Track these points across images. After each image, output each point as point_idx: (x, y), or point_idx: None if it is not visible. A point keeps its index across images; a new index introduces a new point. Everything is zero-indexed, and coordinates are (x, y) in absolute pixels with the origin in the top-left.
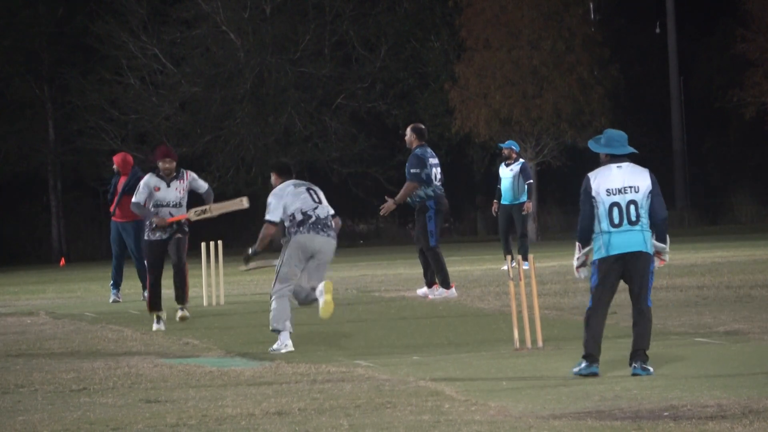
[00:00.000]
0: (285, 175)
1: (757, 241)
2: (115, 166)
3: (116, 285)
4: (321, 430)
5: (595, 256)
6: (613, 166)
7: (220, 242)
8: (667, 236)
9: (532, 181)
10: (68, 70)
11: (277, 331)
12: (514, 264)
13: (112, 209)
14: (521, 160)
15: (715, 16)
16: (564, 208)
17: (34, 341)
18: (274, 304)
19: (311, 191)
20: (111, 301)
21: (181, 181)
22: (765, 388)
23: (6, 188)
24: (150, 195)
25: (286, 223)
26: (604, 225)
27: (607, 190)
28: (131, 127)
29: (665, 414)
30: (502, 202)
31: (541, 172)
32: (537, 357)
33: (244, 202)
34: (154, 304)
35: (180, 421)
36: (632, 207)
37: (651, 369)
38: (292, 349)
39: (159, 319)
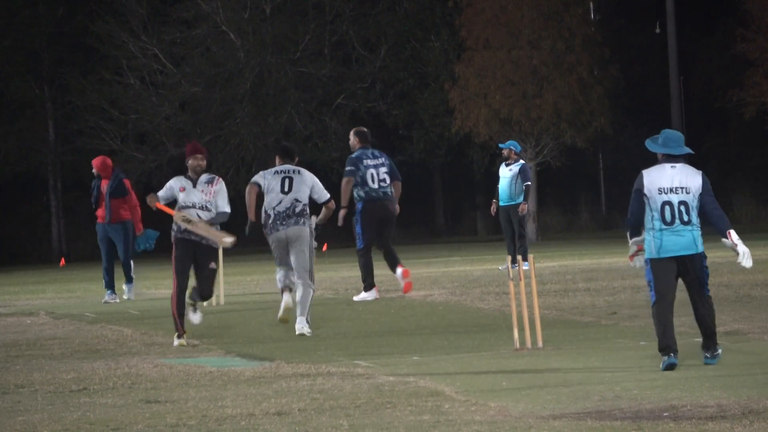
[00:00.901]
0: (286, 158)
1: (757, 241)
2: (94, 170)
3: (109, 286)
4: (321, 430)
5: (647, 255)
6: (668, 165)
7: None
8: (732, 231)
9: (530, 182)
10: (68, 70)
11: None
12: (514, 265)
13: (98, 212)
14: (521, 161)
15: (715, 16)
16: (564, 208)
17: (34, 341)
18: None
19: (286, 180)
20: (104, 301)
21: (210, 185)
22: (765, 388)
23: (6, 188)
24: (171, 196)
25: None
26: (657, 223)
27: (659, 189)
28: (131, 127)
29: (665, 414)
30: (500, 202)
31: (541, 173)
32: (537, 357)
33: (227, 241)
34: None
35: (180, 421)
36: (683, 207)
37: (719, 356)
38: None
39: (180, 336)
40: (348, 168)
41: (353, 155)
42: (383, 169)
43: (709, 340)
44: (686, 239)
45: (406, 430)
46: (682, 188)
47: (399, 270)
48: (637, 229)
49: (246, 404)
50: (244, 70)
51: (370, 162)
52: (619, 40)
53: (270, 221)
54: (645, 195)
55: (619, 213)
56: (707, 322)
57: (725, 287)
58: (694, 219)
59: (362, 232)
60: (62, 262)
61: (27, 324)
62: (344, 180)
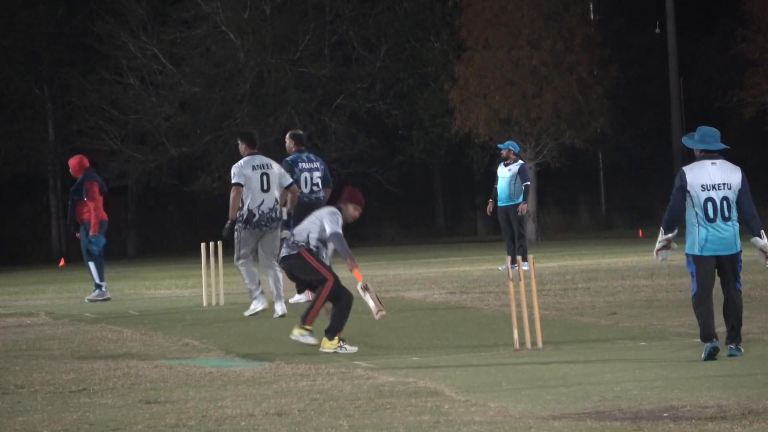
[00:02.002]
0: (251, 144)
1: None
2: (70, 171)
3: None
4: (321, 430)
5: (688, 250)
6: (708, 162)
7: (220, 242)
8: (762, 232)
9: (529, 183)
10: (68, 70)
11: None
12: (514, 266)
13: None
14: (520, 161)
15: (715, 16)
16: (564, 208)
17: (34, 341)
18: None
19: (264, 176)
20: (104, 298)
21: None
22: (765, 388)
23: (6, 188)
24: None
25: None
26: (700, 219)
27: (702, 186)
28: (131, 127)
29: (665, 414)
30: (499, 203)
31: (541, 173)
32: (537, 357)
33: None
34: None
35: (180, 422)
36: (725, 203)
37: (743, 350)
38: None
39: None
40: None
41: (289, 159)
42: (317, 174)
43: (736, 333)
44: (728, 238)
45: (406, 430)
46: (723, 184)
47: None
48: (673, 225)
49: (246, 404)
50: (244, 70)
51: (305, 165)
52: (619, 40)
53: (255, 219)
54: (688, 191)
55: (618, 213)
56: (737, 314)
57: None
58: (734, 215)
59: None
60: (62, 262)
61: (27, 324)
62: (293, 188)
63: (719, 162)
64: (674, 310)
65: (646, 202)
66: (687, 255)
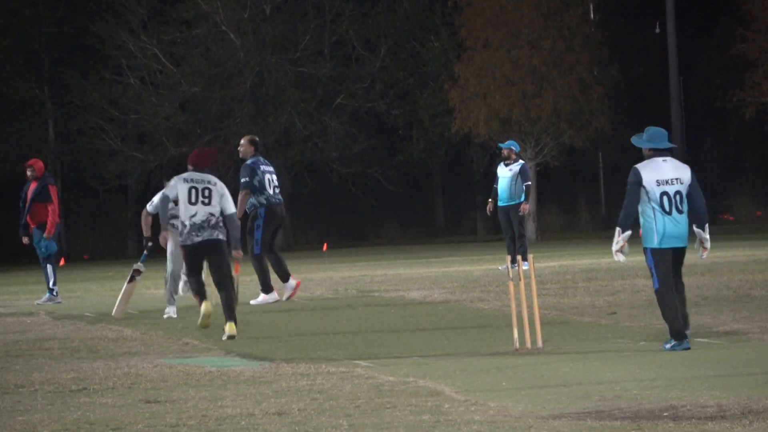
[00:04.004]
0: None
1: (757, 241)
2: (31, 173)
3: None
4: (321, 430)
5: (647, 244)
6: (659, 159)
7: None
8: (707, 226)
9: (530, 182)
10: (68, 69)
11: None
12: (514, 265)
13: (28, 217)
14: (521, 161)
15: (715, 16)
16: (563, 207)
17: (34, 341)
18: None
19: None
20: (54, 302)
21: None
22: (765, 388)
23: (6, 188)
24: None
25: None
26: (657, 213)
27: (657, 181)
28: (131, 126)
29: (665, 414)
30: (499, 202)
31: (541, 172)
32: (537, 357)
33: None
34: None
35: (180, 421)
36: (678, 197)
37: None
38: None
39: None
40: (244, 180)
41: (249, 162)
42: (275, 176)
43: (685, 320)
44: (683, 231)
45: (406, 430)
46: (676, 179)
47: (293, 281)
48: (629, 223)
49: (246, 404)
50: (244, 70)
51: (265, 168)
52: (618, 40)
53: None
54: (644, 187)
55: (618, 213)
56: (684, 304)
57: (725, 287)
58: (686, 209)
59: (261, 238)
60: (62, 261)
61: (27, 324)
62: (243, 193)
63: (669, 159)
64: None
65: None
66: (646, 249)
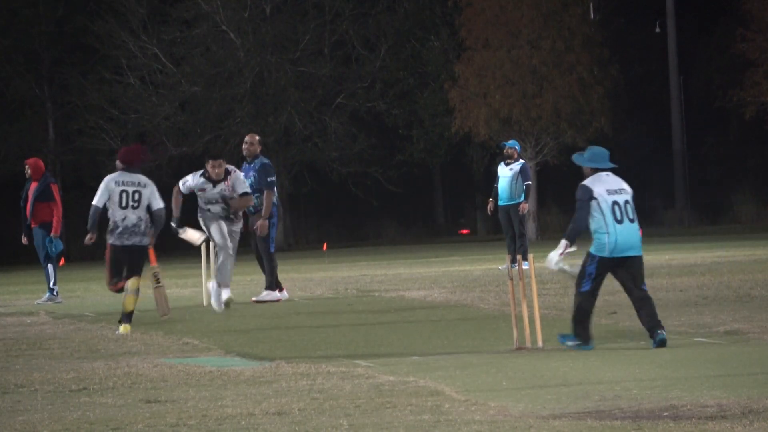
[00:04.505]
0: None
1: (757, 241)
2: (29, 173)
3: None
4: (321, 430)
5: (597, 252)
6: (602, 174)
7: None
8: None
9: (530, 182)
10: (68, 69)
11: None
12: (514, 265)
13: (28, 216)
14: (521, 161)
15: (715, 16)
16: (564, 207)
17: (34, 341)
18: None
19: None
20: (55, 302)
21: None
22: (765, 388)
23: (6, 188)
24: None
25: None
26: (609, 222)
27: (607, 191)
28: (131, 126)
29: (665, 414)
30: (500, 202)
31: (541, 172)
32: (537, 357)
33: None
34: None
35: (180, 421)
36: (627, 206)
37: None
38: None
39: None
40: (271, 179)
41: (266, 161)
42: None
43: (658, 326)
44: (635, 238)
45: (406, 430)
46: (622, 189)
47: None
48: (577, 236)
49: (246, 404)
50: (244, 69)
51: None
52: (619, 40)
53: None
54: (595, 199)
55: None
56: (654, 312)
57: (725, 287)
58: (636, 217)
59: (275, 236)
60: (62, 261)
61: (27, 324)
62: (271, 194)
63: (611, 174)
64: (674, 309)
65: (646, 201)
66: (593, 255)
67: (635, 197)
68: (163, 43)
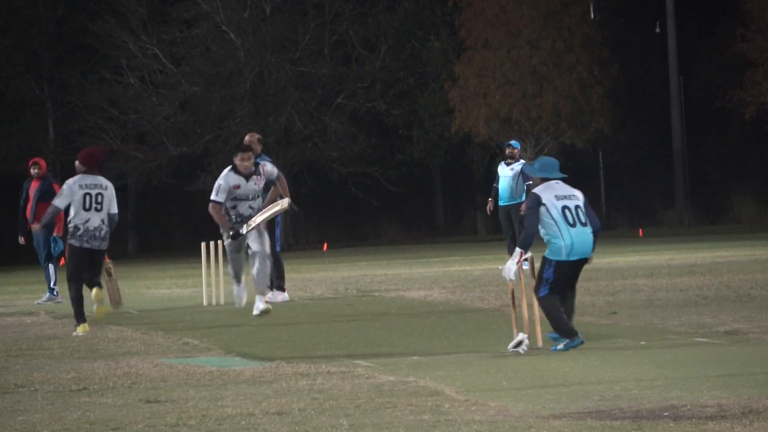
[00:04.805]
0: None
1: (757, 241)
2: (36, 171)
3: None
4: (321, 430)
5: (553, 257)
6: (552, 182)
7: (220, 242)
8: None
9: (531, 182)
10: (68, 69)
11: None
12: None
13: (29, 216)
14: (522, 161)
15: (715, 16)
16: None
17: (34, 341)
18: None
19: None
20: (55, 302)
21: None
22: (765, 388)
23: (6, 188)
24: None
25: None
26: (562, 227)
27: (555, 196)
28: (131, 126)
29: (665, 414)
30: (500, 202)
31: None
32: (537, 357)
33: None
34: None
35: (180, 421)
36: (578, 210)
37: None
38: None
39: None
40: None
41: (270, 161)
42: None
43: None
44: (588, 241)
45: (406, 430)
46: (572, 195)
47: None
48: (531, 245)
49: (246, 404)
50: (244, 69)
51: None
52: (619, 40)
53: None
54: (544, 205)
55: (618, 213)
56: (573, 310)
57: (725, 287)
58: (588, 222)
59: (280, 235)
60: (62, 262)
61: (27, 324)
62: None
63: (561, 182)
64: (675, 309)
65: (646, 201)
66: (549, 260)
67: (645, 197)
68: (163, 43)
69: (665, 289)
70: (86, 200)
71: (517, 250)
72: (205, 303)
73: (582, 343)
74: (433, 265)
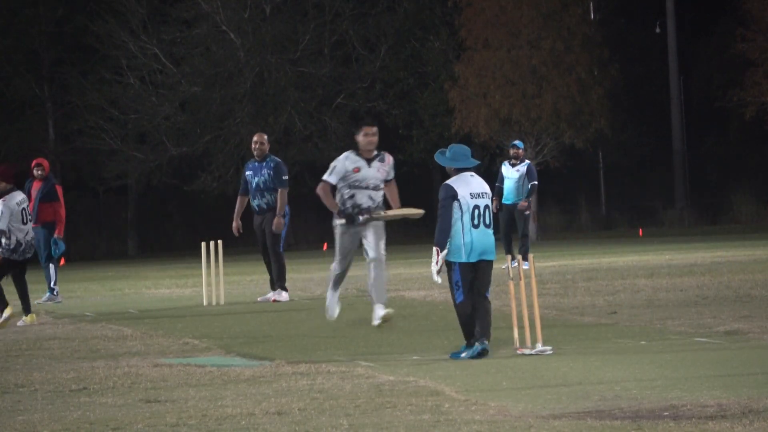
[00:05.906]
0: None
1: (757, 241)
2: (39, 172)
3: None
4: (321, 430)
5: (454, 258)
6: (467, 174)
7: (220, 242)
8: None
9: (536, 182)
10: (68, 69)
11: None
12: (514, 264)
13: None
14: (527, 161)
15: (715, 16)
16: (563, 207)
17: (34, 341)
18: None
19: (23, 211)
20: (55, 302)
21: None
22: (765, 388)
23: None
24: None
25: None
26: (467, 226)
27: (470, 194)
28: (131, 126)
29: (665, 414)
30: (505, 202)
31: (541, 172)
32: (537, 357)
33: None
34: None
35: (180, 421)
36: (487, 211)
37: (487, 347)
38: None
39: None
40: (286, 177)
41: (279, 160)
42: None
43: (486, 332)
44: (490, 244)
45: (406, 430)
46: (485, 193)
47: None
48: (447, 240)
49: (246, 404)
50: (244, 69)
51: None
52: (618, 40)
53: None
54: (458, 200)
55: (618, 213)
56: (489, 319)
57: (725, 287)
58: (492, 223)
59: (285, 236)
60: (62, 261)
61: (27, 324)
62: (286, 192)
63: (475, 175)
64: (674, 309)
65: (646, 201)
66: (453, 263)
67: (645, 197)
68: (163, 43)
69: (665, 289)
70: (23, 215)
71: (434, 249)
72: (205, 303)
73: (485, 350)
74: None
